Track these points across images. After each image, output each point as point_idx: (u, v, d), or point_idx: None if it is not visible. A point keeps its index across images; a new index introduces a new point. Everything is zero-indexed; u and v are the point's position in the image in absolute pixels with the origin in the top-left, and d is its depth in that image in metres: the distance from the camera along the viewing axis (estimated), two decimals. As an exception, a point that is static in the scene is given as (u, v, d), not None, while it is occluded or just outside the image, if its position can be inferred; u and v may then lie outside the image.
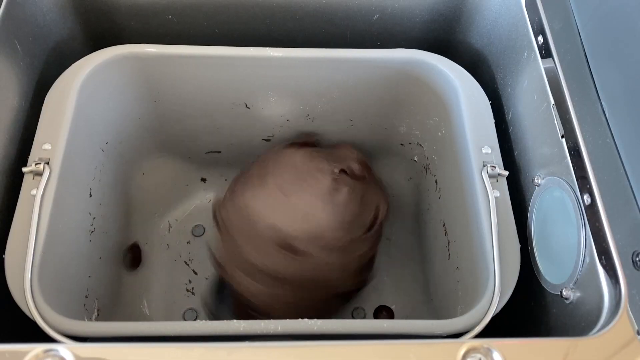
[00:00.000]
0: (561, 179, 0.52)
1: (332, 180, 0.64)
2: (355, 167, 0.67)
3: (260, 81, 0.66)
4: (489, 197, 0.54)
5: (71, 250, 0.57)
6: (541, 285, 0.54)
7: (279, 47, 0.64)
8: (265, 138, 0.76)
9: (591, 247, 0.47)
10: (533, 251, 0.55)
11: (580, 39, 0.55)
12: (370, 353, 0.41)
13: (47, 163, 0.54)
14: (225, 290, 0.71)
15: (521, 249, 0.53)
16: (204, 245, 0.77)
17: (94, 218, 0.62)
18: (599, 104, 0.51)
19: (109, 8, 0.69)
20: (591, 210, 0.47)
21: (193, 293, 0.73)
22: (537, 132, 0.57)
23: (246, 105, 0.70)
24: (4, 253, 0.50)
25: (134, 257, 0.72)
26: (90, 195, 0.62)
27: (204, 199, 0.81)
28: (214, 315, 0.70)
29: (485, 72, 0.68)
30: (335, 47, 0.64)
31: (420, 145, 0.72)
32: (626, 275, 0.44)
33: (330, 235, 0.61)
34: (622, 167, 0.48)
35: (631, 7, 0.51)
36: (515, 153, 0.61)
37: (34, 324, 0.47)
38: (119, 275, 0.70)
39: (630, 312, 0.43)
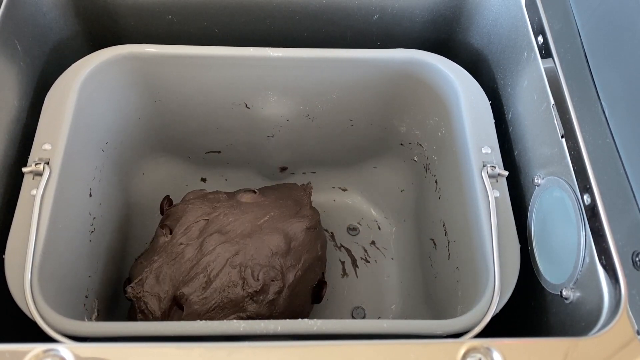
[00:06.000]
0: (561, 179, 0.52)
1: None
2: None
3: (260, 81, 0.66)
4: (489, 197, 0.54)
5: (71, 250, 0.57)
6: (541, 285, 0.54)
7: (279, 47, 0.64)
8: (265, 138, 0.76)
9: (591, 247, 0.47)
10: (533, 251, 0.55)
11: (580, 39, 0.55)
12: (370, 353, 0.41)
13: (47, 163, 0.54)
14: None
15: (521, 249, 0.53)
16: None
17: (94, 218, 0.62)
18: (599, 104, 0.51)
19: (109, 8, 0.69)
20: (591, 210, 0.47)
21: (193, 293, 0.73)
22: (537, 132, 0.57)
23: (246, 105, 0.70)
24: (4, 253, 0.50)
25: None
26: (90, 195, 0.62)
27: (204, 199, 0.81)
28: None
29: (485, 72, 0.68)
30: (335, 47, 0.64)
31: (420, 145, 0.72)
32: (626, 275, 0.44)
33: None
34: (622, 167, 0.48)
35: (631, 7, 0.51)
36: (515, 153, 0.61)
37: (34, 324, 0.47)
38: (119, 275, 0.70)
39: (630, 312, 0.43)
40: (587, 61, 0.54)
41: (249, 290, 0.60)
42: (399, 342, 0.42)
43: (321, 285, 0.68)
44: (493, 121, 0.60)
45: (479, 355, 0.40)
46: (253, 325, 0.47)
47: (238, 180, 0.81)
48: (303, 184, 0.75)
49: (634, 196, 0.46)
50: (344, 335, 0.47)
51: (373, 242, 0.79)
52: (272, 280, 0.62)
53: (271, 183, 0.81)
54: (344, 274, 0.76)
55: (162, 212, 0.72)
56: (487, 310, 0.49)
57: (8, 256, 0.50)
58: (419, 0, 0.69)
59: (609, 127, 0.50)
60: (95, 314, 0.62)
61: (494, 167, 0.56)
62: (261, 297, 0.61)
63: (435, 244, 0.69)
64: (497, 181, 0.56)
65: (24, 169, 0.54)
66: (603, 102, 0.51)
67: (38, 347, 0.39)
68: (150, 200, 0.76)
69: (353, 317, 0.73)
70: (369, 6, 0.69)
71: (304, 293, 0.65)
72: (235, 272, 0.61)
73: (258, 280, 0.61)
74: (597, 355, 0.42)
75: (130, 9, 0.69)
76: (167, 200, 0.73)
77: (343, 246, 0.79)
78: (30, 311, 0.47)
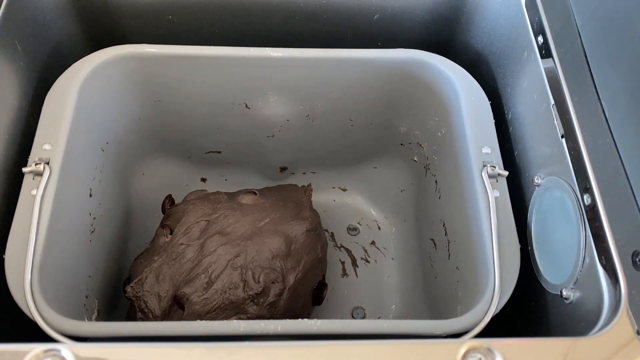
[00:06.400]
0: (561, 179, 0.52)
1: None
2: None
3: (260, 81, 0.66)
4: (489, 197, 0.54)
5: (71, 250, 0.57)
6: (541, 285, 0.54)
7: (279, 47, 0.64)
8: (265, 138, 0.76)
9: (591, 247, 0.47)
10: (533, 251, 0.55)
11: (580, 39, 0.55)
12: (370, 353, 0.41)
13: (47, 163, 0.54)
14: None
15: (521, 249, 0.53)
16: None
17: (94, 218, 0.62)
18: (599, 104, 0.51)
19: (109, 8, 0.69)
20: (591, 210, 0.47)
21: (193, 293, 0.73)
22: (537, 132, 0.57)
23: (246, 105, 0.70)
24: (4, 253, 0.50)
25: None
26: (90, 196, 0.62)
27: (204, 199, 0.81)
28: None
29: (485, 72, 0.68)
30: (335, 47, 0.64)
31: (420, 145, 0.72)
32: (626, 275, 0.44)
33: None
34: (622, 167, 0.48)
35: (631, 7, 0.51)
36: (515, 153, 0.61)
37: (34, 324, 0.47)
38: (119, 275, 0.70)
39: (630, 312, 0.43)
40: (587, 61, 0.54)
41: (250, 293, 0.60)
42: (399, 342, 0.42)
43: (321, 287, 0.68)
44: (493, 121, 0.60)
45: (479, 356, 0.40)
46: (253, 325, 0.47)
47: (238, 180, 0.81)
48: (303, 186, 0.75)
49: (634, 196, 0.46)
50: (344, 335, 0.47)
51: (373, 242, 0.79)
52: (273, 283, 0.62)
53: (271, 183, 0.81)
54: (344, 274, 0.76)
55: (163, 212, 0.72)
56: (487, 311, 0.49)
57: (8, 256, 0.50)
58: (419, 0, 0.69)
59: (609, 127, 0.50)
60: (96, 314, 0.62)
61: (494, 167, 0.56)
62: (262, 299, 0.61)
63: (435, 244, 0.69)
64: (497, 181, 0.56)
65: (24, 169, 0.54)
66: (603, 102, 0.51)
67: (38, 347, 0.39)
68: (150, 200, 0.76)
69: (353, 317, 0.73)
70: (369, 6, 0.69)
71: (304, 295, 0.65)
72: (236, 274, 0.61)
73: (259, 282, 0.61)
74: (597, 355, 0.42)
75: (130, 9, 0.69)
76: (169, 199, 0.74)
77: (343, 246, 0.79)
78: (30, 311, 0.47)
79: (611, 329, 0.42)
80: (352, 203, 0.83)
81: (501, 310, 0.50)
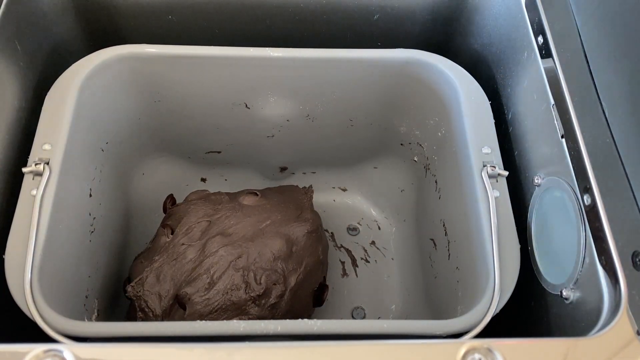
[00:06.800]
0: (561, 179, 0.52)
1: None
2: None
3: (260, 81, 0.66)
4: (489, 197, 0.54)
5: (71, 251, 0.57)
6: (541, 285, 0.54)
7: (279, 47, 0.64)
8: (265, 138, 0.76)
9: (591, 247, 0.47)
10: (533, 251, 0.55)
11: (580, 39, 0.55)
12: (370, 353, 0.41)
13: (47, 163, 0.54)
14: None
15: (521, 249, 0.53)
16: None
17: (94, 218, 0.62)
18: (599, 104, 0.51)
19: (109, 8, 0.69)
20: (591, 210, 0.47)
21: (193, 293, 0.73)
22: (537, 132, 0.57)
23: (246, 105, 0.70)
24: (4, 253, 0.50)
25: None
26: (90, 196, 0.62)
27: (204, 199, 0.81)
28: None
29: (485, 72, 0.68)
30: (335, 47, 0.64)
31: (420, 145, 0.72)
32: (626, 275, 0.44)
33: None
34: (622, 167, 0.48)
35: (631, 7, 0.51)
36: (515, 153, 0.61)
37: (34, 324, 0.47)
38: (119, 275, 0.70)
39: (630, 312, 0.43)
40: (587, 61, 0.54)
41: (252, 294, 0.60)
42: (399, 343, 0.42)
43: (322, 288, 0.68)
44: (493, 121, 0.60)
45: (479, 356, 0.40)
46: (253, 326, 0.47)
47: (238, 180, 0.81)
48: (304, 187, 0.75)
49: (634, 196, 0.46)
50: (344, 335, 0.47)
51: (373, 242, 0.79)
52: (274, 284, 0.62)
53: (271, 183, 0.81)
54: (344, 274, 0.76)
55: (164, 211, 0.72)
56: (487, 311, 0.49)
57: (8, 256, 0.50)
58: (419, 1, 0.69)
59: (609, 127, 0.50)
60: (96, 314, 0.62)
61: (494, 167, 0.56)
62: (263, 301, 0.61)
63: (435, 244, 0.69)
64: (497, 181, 0.56)
65: (24, 169, 0.54)
66: (603, 102, 0.51)
67: (38, 348, 0.39)
68: (150, 200, 0.76)
69: (353, 317, 0.73)
70: (369, 6, 0.69)
71: (305, 296, 0.65)
72: (238, 276, 0.61)
73: (260, 284, 0.61)
74: (597, 355, 0.42)
75: (130, 9, 0.69)
76: (171, 199, 0.74)
77: (343, 246, 0.79)
78: (30, 311, 0.47)
79: (611, 329, 0.42)
80: (352, 203, 0.83)
81: (501, 310, 0.50)
